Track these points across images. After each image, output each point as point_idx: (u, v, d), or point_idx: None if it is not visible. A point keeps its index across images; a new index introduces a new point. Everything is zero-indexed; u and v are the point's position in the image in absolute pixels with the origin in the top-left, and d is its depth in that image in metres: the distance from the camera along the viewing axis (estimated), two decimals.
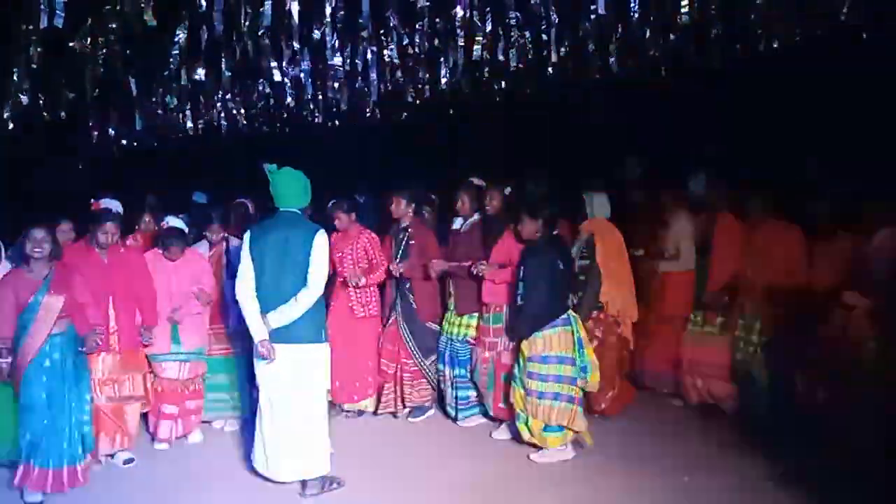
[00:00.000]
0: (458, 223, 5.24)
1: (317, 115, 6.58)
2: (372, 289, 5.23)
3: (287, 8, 4.13)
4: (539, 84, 6.17)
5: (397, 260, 5.17)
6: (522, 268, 4.55)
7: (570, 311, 4.61)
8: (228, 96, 5.59)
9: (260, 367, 4.02)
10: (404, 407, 5.30)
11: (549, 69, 5.49)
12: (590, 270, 5.02)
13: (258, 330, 3.93)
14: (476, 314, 5.05)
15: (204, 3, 4.04)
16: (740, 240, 5.20)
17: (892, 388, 4.23)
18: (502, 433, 4.95)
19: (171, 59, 4.65)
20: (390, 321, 5.23)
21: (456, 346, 5.12)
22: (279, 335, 3.93)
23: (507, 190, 5.05)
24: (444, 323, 5.23)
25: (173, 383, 4.76)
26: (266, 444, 4.04)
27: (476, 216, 5.14)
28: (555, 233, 4.72)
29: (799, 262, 4.94)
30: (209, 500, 4.09)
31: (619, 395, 5.25)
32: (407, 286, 5.18)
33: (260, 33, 4.38)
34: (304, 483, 4.05)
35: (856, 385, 4.42)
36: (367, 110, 6.83)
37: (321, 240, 3.98)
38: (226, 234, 5.13)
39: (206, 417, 5.05)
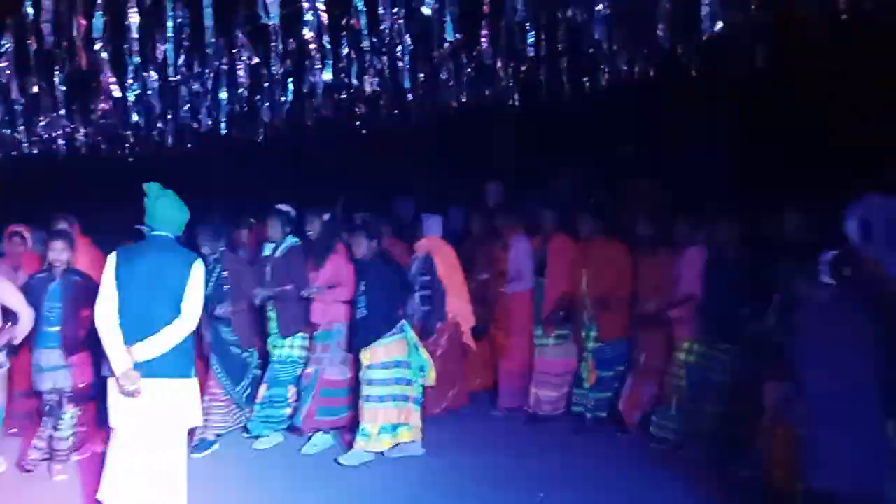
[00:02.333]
0: (268, 249, 5.42)
1: (167, 135, 6.26)
2: None
3: (126, 22, 3.93)
4: (395, 109, 6.22)
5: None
6: (363, 283, 4.89)
7: (403, 320, 5.03)
8: (63, 112, 5.19)
9: (118, 405, 3.61)
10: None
11: (409, 95, 5.56)
12: (433, 286, 5.50)
13: (121, 361, 3.54)
14: (300, 335, 5.29)
15: (31, 12, 3.77)
16: (572, 258, 5.62)
17: (706, 387, 4.88)
18: (313, 447, 5.14)
19: None
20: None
21: (276, 368, 5.27)
22: (145, 368, 3.57)
23: (326, 215, 5.28)
24: (268, 346, 5.38)
25: None
26: (134, 483, 3.59)
27: (290, 241, 5.31)
28: (381, 249, 5.12)
29: (626, 275, 5.46)
30: None
31: (457, 394, 5.78)
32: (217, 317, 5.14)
33: (97, 47, 4.13)
34: None
35: (677, 384, 5.06)
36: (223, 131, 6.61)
37: (199, 269, 3.74)
38: None
39: None
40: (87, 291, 4.54)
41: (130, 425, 3.62)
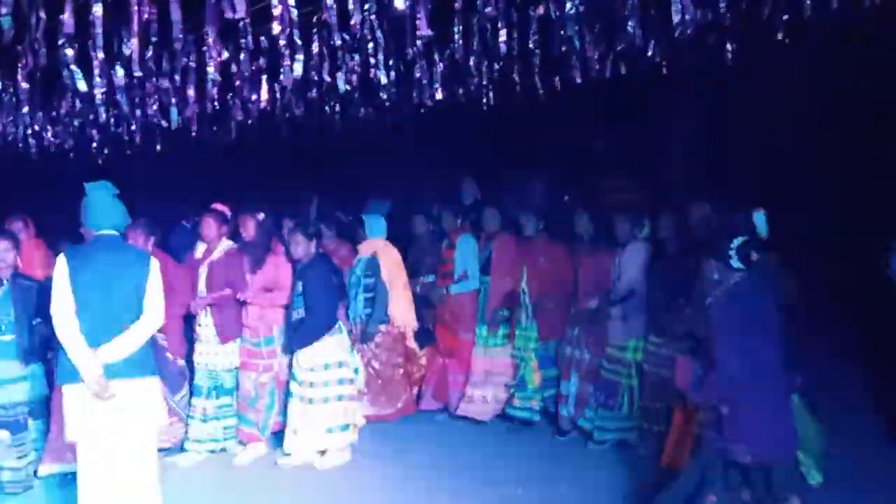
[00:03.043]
0: (201, 250, 5.26)
1: (134, 132, 6.14)
2: None
3: (90, 17, 3.84)
4: (369, 106, 6.18)
5: None
6: (301, 283, 4.90)
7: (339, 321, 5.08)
8: (26, 109, 5.07)
9: (84, 414, 3.51)
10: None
11: (381, 93, 5.52)
12: (377, 287, 5.45)
13: (91, 367, 3.46)
14: (238, 340, 5.15)
15: None
16: (516, 257, 5.63)
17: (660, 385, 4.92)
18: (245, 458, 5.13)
19: None
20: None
21: (221, 376, 5.13)
22: (112, 370, 3.51)
23: (261, 216, 5.20)
24: (196, 355, 5.19)
25: None
26: (117, 498, 3.55)
27: (225, 243, 5.18)
28: (321, 251, 5.14)
29: (566, 274, 5.53)
30: None
31: (406, 404, 5.68)
32: None
33: (61, 42, 4.04)
34: None
35: (627, 384, 5.16)
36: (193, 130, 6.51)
37: (155, 265, 3.73)
38: None
39: None
40: (39, 296, 4.39)
41: (102, 432, 3.53)
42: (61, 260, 3.60)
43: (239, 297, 5.06)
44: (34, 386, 4.53)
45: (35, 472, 4.61)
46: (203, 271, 5.25)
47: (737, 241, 3.56)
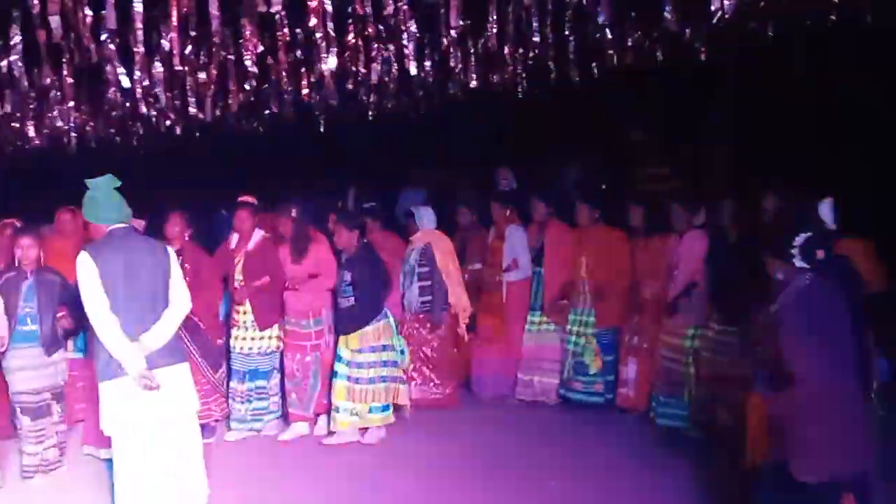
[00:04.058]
0: (234, 240, 5.46)
1: (173, 124, 6.24)
2: None
3: (131, 12, 3.91)
4: (403, 97, 6.19)
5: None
6: (349, 273, 5.10)
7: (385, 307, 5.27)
8: (72, 103, 5.19)
9: (135, 402, 3.56)
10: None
11: (413, 84, 5.54)
12: (432, 276, 5.61)
13: (135, 360, 3.52)
14: (276, 325, 5.37)
15: (37, 2, 3.76)
16: (570, 246, 5.65)
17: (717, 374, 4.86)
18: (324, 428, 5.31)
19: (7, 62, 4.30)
20: None
21: (255, 359, 5.32)
22: (154, 360, 3.59)
23: (294, 211, 5.38)
24: (233, 340, 5.39)
25: None
26: (155, 483, 3.62)
27: (258, 234, 5.39)
28: (365, 241, 5.31)
29: (622, 261, 5.52)
30: None
31: (455, 389, 5.91)
32: None
33: (104, 37, 4.13)
34: None
35: (686, 372, 5.06)
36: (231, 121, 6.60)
37: (174, 254, 3.85)
38: None
39: None
40: (62, 289, 4.54)
41: (144, 422, 3.60)
42: (87, 259, 3.57)
43: (292, 287, 5.27)
44: (57, 372, 4.68)
45: (61, 454, 4.76)
46: (239, 261, 5.41)
47: (800, 238, 3.14)
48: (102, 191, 3.70)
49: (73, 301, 4.43)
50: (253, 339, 5.38)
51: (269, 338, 5.41)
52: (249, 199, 5.53)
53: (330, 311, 5.41)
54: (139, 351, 3.56)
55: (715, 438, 4.78)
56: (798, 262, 3.14)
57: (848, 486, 3.00)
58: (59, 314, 4.51)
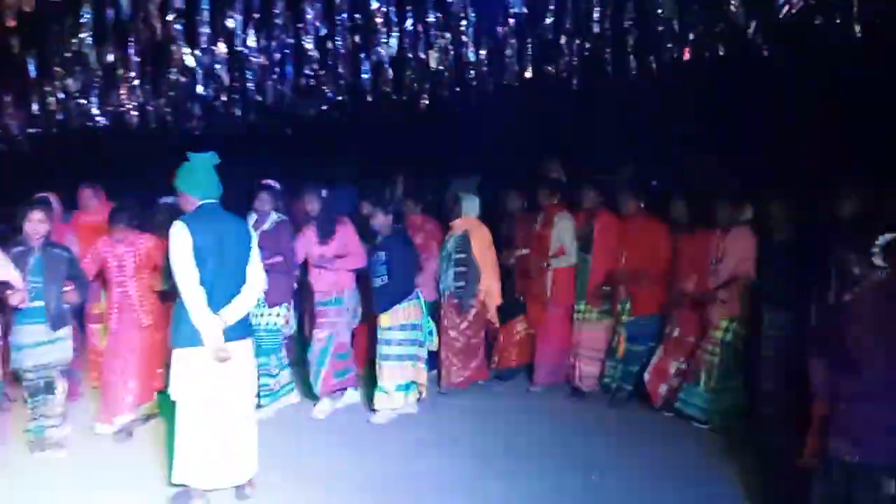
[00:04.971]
0: (252, 219, 5.57)
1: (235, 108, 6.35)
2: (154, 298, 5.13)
3: None
4: (458, 85, 6.19)
5: None
6: (384, 254, 5.28)
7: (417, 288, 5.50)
8: (137, 82, 5.34)
9: (206, 372, 3.74)
10: None
11: (472, 71, 5.54)
12: (468, 263, 5.76)
13: (215, 332, 3.70)
14: (284, 304, 5.52)
15: None
16: (617, 235, 5.72)
17: (743, 366, 4.97)
18: (322, 411, 5.46)
19: (76, 40, 4.44)
20: None
21: (260, 336, 5.38)
22: (227, 333, 3.76)
23: (324, 192, 5.52)
24: None
25: None
26: (214, 451, 3.80)
27: (275, 215, 5.54)
28: (400, 226, 5.53)
29: (663, 252, 5.55)
30: None
31: (477, 371, 6.00)
32: None
33: (171, 17, 4.23)
34: (241, 484, 3.94)
35: (710, 361, 5.12)
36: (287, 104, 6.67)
37: (253, 232, 4.08)
38: None
39: None
40: (69, 265, 4.52)
41: (213, 390, 3.78)
42: (182, 229, 3.71)
43: (317, 265, 5.40)
44: (63, 348, 4.62)
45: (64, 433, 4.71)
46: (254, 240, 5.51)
47: (883, 239, 3.23)
48: (202, 165, 3.84)
49: (79, 277, 4.58)
50: (261, 315, 5.49)
51: (277, 315, 5.55)
52: (271, 182, 5.71)
53: (353, 292, 5.55)
54: (218, 323, 3.68)
55: (746, 431, 4.71)
56: (877, 261, 3.24)
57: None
58: (66, 288, 4.52)
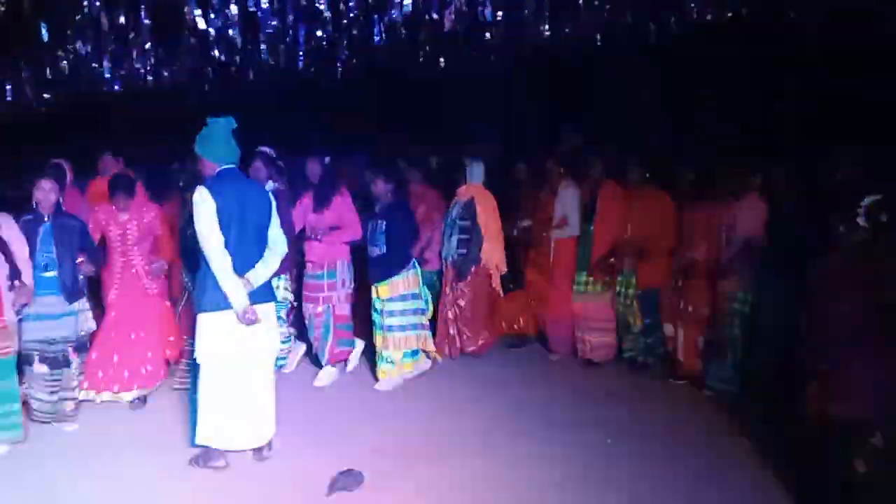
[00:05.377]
0: None
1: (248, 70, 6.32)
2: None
3: None
4: (473, 51, 6.12)
5: None
6: (383, 223, 5.16)
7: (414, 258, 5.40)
8: (149, 45, 5.30)
9: (232, 335, 3.75)
10: None
11: (487, 34, 5.46)
12: (473, 230, 5.69)
13: (242, 295, 3.70)
14: (284, 275, 5.35)
15: None
16: (621, 205, 5.59)
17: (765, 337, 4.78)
18: (324, 379, 5.33)
19: (87, 4, 4.40)
20: (185, 298, 5.01)
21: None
22: (254, 296, 3.76)
23: (327, 159, 5.32)
24: None
25: None
26: (237, 413, 3.82)
27: (271, 184, 5.30)
28: (399, 193, 5.35)
29: (668, 224, 5.41)
30: None
31: (487, 340, 5.90)
32: None
33: None
34: (260, 446, 3.96)
35: (732, 336, 5.00)
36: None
37: (272, 197, 3.97)
38: None
39: None
40: (80, 235, 4.40)
41: (238, 353, 3.78)
42: (205, 194, 3.69)
43: (311, 236, 5.25)
44: (78, 321, 4.46)
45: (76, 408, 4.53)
46: (274, 204, 5.40)
47: (868, 199, 3.30)
48: (220, 129, 3.81)
49: (91, 247, 4.49)
50: None
51: (276, 287, 5.36)
52: (266, 149, 5.50)
53: (346, 263, 5.41)
54: (244, 287, 3.72)
55: (765, 401, 4.68)
56: (861, 221, 3.32)
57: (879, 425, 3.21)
58: (79, 259, 4.41)
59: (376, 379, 5.35)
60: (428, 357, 5.51)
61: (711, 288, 5.19)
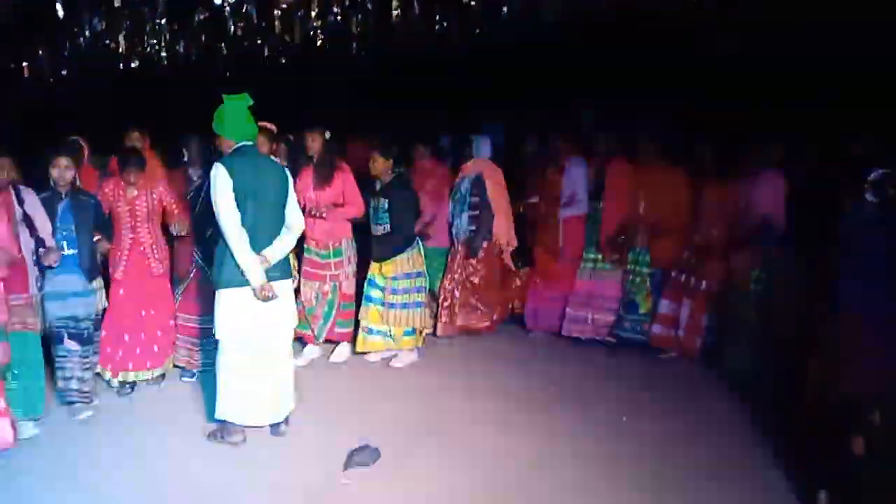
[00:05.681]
0: None
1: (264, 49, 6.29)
2: (164, 245, 4.89)
3: None
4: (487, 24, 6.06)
5: None
6: (385, 201, 5.11)
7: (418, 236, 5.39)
8: (163, 21, 5.27)
9: (251, 311, 3.79)
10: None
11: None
12: (482, 206, 5.65)
13: (259, 272, 3.74)
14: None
15: None
16: (632, 183, 5.52)
17: (769, 316, 4.84)
18: (340, 355, 5.37)
19: None
20: (191, 276, 4.93)
21: None
22: (272, 272, 3.81)
23: (328, 134, 5.20)
24: None
25: None
26: (256, 388, 3.87)
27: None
28: (400, 170, 5.26)
29: (681, 201, 5.34)
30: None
31: (499, 316, 5.96)
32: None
33: None
34: (278, 422, 4.02)
35: (745, 314, 5.00)
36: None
37: (289, 174, 3.97)
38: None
39: None
40: (95, 212, 4.38)
41: (256, 328, 3.83)
42: (222, 170, 3.70)
43: (318, 215, 5.14)
44: (98, 300, 4.47)
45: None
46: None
47: (875, 173, 3.29)
48: (237, 106, 3.81)
49: (106, 225, 4.48)
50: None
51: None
52: (268, 124, 5.27)
53: (350, 240, 5.36)
54: (261, 264, 3.76)
55: (777, 380, 4.67)
56: (869, 196, 3.31)
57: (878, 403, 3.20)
58: (96, 238, 4.39)
59: (360, 353, 5.34)
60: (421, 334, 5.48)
61: (725, 265, 5.17)
